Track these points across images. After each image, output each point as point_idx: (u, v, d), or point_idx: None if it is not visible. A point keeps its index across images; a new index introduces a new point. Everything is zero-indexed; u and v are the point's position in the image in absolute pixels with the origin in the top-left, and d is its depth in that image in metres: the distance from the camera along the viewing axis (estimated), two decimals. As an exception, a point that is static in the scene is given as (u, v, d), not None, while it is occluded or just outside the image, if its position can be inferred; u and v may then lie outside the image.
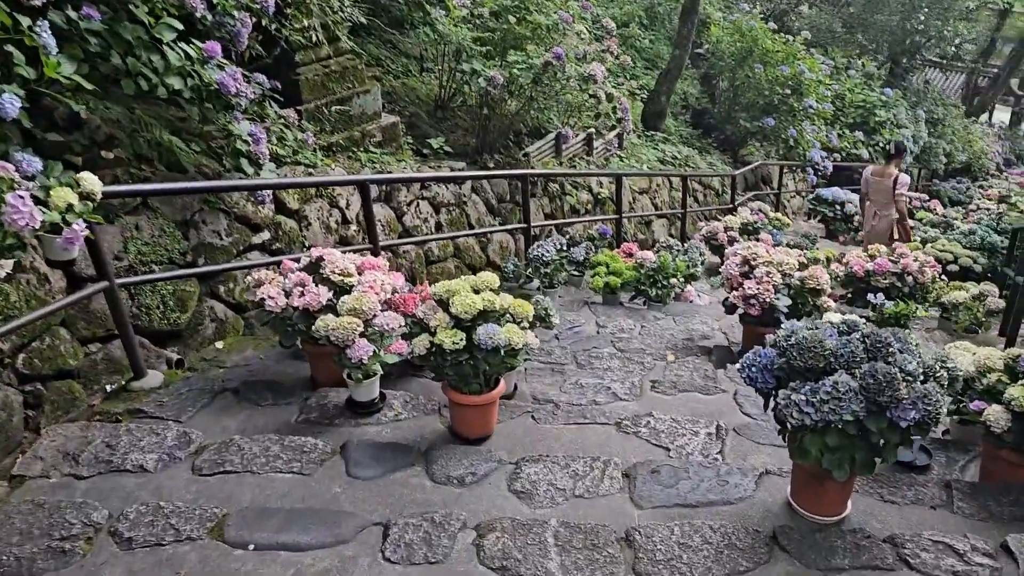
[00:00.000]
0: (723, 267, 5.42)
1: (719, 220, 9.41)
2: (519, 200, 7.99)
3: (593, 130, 10.11)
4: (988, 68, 31.05)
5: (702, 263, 7.27)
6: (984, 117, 30.77)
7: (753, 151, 15.08)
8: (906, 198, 8.44)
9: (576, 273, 7.26)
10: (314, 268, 4.17)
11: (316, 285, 3.98)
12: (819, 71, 14.27)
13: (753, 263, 5.25)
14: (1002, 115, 38.37)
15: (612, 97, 8.35)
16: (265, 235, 5.51)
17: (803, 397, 2.75)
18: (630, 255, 7.25)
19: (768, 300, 5.04)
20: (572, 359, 5.06)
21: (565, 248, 7.05)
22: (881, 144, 17.22)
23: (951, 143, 21.38)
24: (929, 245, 10.73)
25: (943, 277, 7.27)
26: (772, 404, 3.00)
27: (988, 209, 18.76)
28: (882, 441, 2.75)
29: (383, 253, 6.12)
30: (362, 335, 3.71)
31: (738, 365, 3.11)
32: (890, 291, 6.86)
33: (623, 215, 8.73)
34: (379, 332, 3.79)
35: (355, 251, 5.67)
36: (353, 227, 6.30)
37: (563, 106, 9.33)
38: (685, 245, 7.55)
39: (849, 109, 16.71)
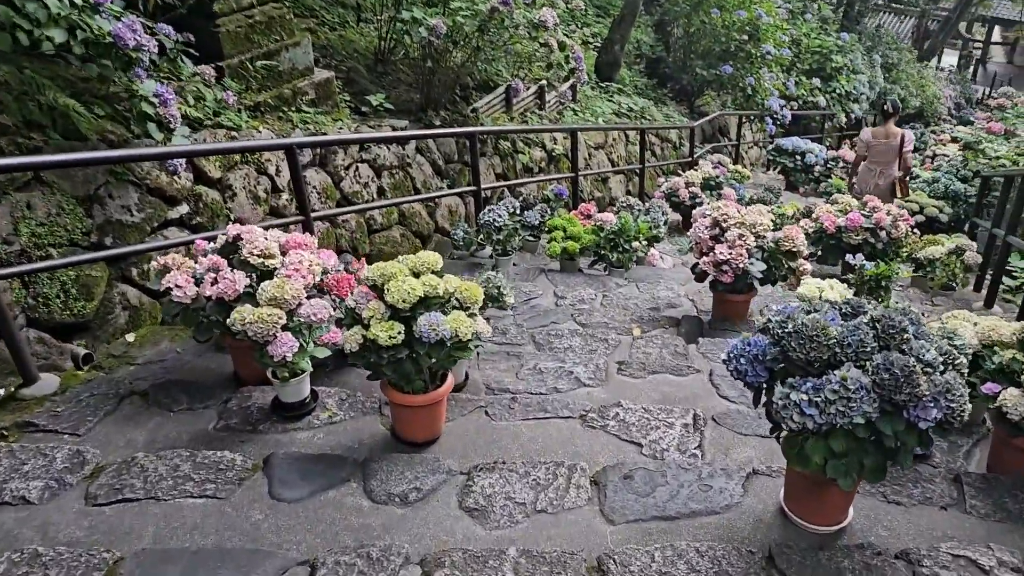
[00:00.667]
0: (691, 231, 4.95)
1: (679, 175, 8.95)
2: (468, 160, 7.44)
3: (545, 82, 9.54)
4: (938, 11, 30.97)
5: (665, 223, 6.82)
6: (934, 61, 30.71)
7: (709, 101, 14.63)
8: (911, 152, 8.39)
9: (531, 238, 6.77)
10: (231, 249, 3.62)
11: (232, 270, 3.43)
12: (776, 15, 13.80)
13: (724, 225, 4.80)
14: (949, 59, 38.49)
15: (564, 46, 7.79)
16: (183, 208, 4.92)
17: (805, 397, 2.31)
18: (588, 216, 6.77)
19: (742, 266, 4.61)
20: (530, 338, 4.58)
21: (519, 211, 6.54)
22: (838, 91, 16.89)
23: (905, 88, 21.16)
24: (897, 200, 10.42)
25: (914, 230, 6.92)
26: (764, 400, 2.57)
27: (947, 155, 18.63)
28: (897, 443, 2.33)
29: (318, 225, 5.58)
30: (285, 328, 3.19)
31: (723, 355, 2.65)
32: (862, 247, 6.48)
33: (579, 173, 8.23)
34: (306, 323, 3.27)
35: (285, 224, 5.13)
36: (285, 196, 5.72)
37: (512, 57, 8.75)
38: (646, 204, 7.08)
39: (806, 55, 16.29)
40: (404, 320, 2.94)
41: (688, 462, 3.11)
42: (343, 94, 7.06)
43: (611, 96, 11.40)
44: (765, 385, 2.57)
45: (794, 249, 4.81)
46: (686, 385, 3.92)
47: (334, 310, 3.42)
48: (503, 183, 7.55)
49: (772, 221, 4.94)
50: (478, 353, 4.00)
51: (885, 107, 8.60)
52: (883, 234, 6.49)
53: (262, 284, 3.26)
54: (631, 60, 13.72)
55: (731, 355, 2.59)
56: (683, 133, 12.38)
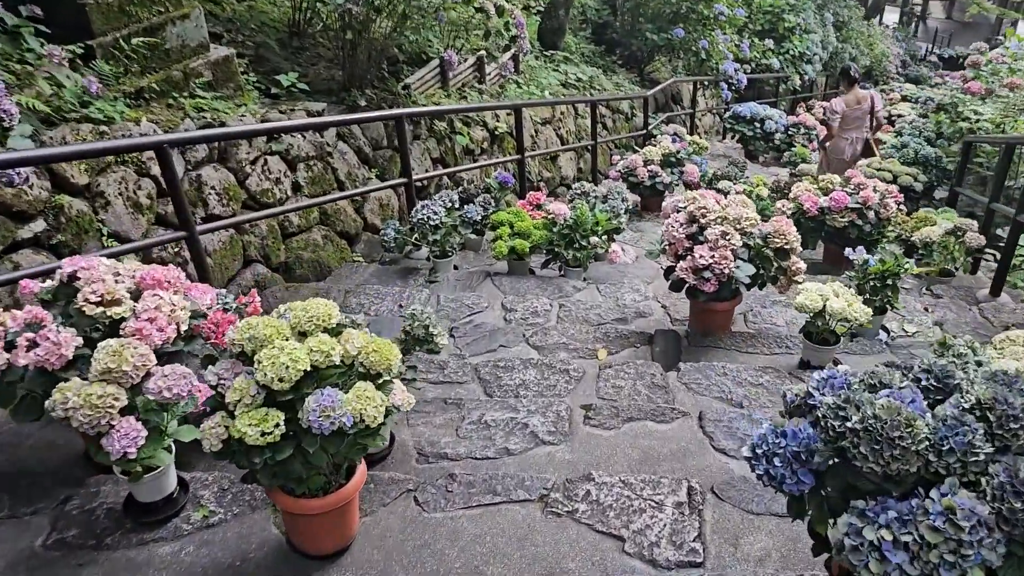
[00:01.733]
0: (664, 229, 4.11)
1: (636, 151, 8.11)
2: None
3: (484, 53, 8.60)
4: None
5: (626, 211, 5.97)
6: (877, 19, 30.31)
7: (659, 67, 13.81)
8: (882, 112, 8.71)
9: (475, 235, 5.89)
10: (68, 291, 2.69)
11: (61, 326, 2.50)
12: (728, -28, 13.01)
13: (702, 222, 3.97)
14: (891, 16, 38.26)
15: (503, 11, 6.87)
16: (38, 225, 3.94)
17: (887, 535, 1.49)
18: (538, 207, 5.91)
19: (727, 271, 3.79)
20: (473, 374, 3.70)
21: (458, 204, 5.64)
22: (792, 53, 16.18)
23: (856, 47, 20.59)
24: (863, 162, 9.73)
25: (901, 207, 6.18)
26: (812, 513, 1.76)
27: (902, 115, 18.09)
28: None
29: (218, 235, 4.62)
30: (128, 410, 2.29)
31: (745, 450, 1.82)
32: (847, 230, 5.73)
33: (525, 154, 7.34)
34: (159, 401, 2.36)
35: (161, 243, 4.18)
36: (175, 201, 4.74)
37: (445, 25, 7.79)
38: (603, 189, 6.22)
39: (757, 15, 15.52)
40: (285, 405, 2.05)
41: (687, 559, 2.30)
42: (249, 74, 6.07)
43: (557, 66, 10.50)
44: (809, 495, 1.75)
45: (786, 246, 4.01)
46: (671, 436, 3.08)
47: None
48: (439, 172, 6.61)
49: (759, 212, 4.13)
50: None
51: (851, 72, 8.50)
52: (871, 214, 5.74)
53: (98, 347, 2.34)
54: (576, 26, 12.81)
55: (759, 452, 1.77)
56: (636, 103, 11.54)
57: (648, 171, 7.52)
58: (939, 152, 9.96)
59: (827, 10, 18.78)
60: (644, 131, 10.33)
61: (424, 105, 7.31)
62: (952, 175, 9.99)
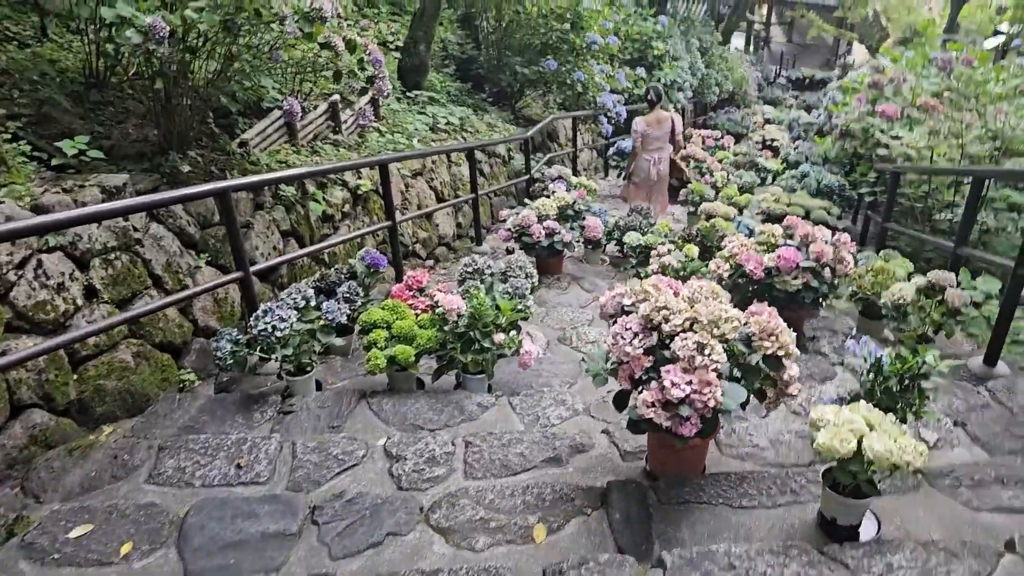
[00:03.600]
0: (610, 344, 2.89)
1: (527, 204, 6.93)
2: (239, 219, 5.13)
3: (337, 97, 7.26)
4: (730, -5, 31.11)
5: (531, 288, 4.73)
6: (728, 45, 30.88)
7: (530, 103, 12.81)
8: (682, 132, 9.23)
9: (341, 341, 4.51)
10: None
11: None
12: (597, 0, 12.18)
13: (666, 327, 2.78)
14: (736, 41, 39.27)
15: (356, 46, 5.56)
16: None
17: None
18: (420, 290, 4.61)
19: (712, 403, 2.61)
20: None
21: (315, 300, 4.25)
22: (663, 81, 15.58)
23: (720, 72, 20.41)
24: (768, 195, 8.95)
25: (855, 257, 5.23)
26: None
27: (775, 140, 17.85)
28: None
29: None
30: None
31: None
32: (802, 294, 4.71)
33: (397, 219, 6.05)
34: None
35: None
36: None
37: (285, 65, 6.43)
38: (503, 264, 4.94)
39: (626, 43, 14.82)
40: None
41: None
42: (18, 143, 4.54)
43: (423, 108, 9.25)
44: None
45: (780, 351, 2.87)
46: None
47: None
48: (287, 256, 5.11)
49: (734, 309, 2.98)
50: None
51: (649, 95, 8.94)
52: (827, 272, 4.74)
53: None
54: (438, 63, 11.63)
55: None
56: (512, 144, 10.44)
57: (545, 228, 6.34)
58: (842, 181, 9.32)
59: (691, 36, 18.45)
60: (527, 176, 9.21)
61: (266, 165, 5.89)
62: (856, 205, 9.35)
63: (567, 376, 4.38)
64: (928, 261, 6.86)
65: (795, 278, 4.67)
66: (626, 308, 2.99)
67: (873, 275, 5.03)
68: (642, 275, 5.22)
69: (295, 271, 5.88)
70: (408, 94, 9.42)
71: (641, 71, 14.63)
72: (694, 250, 5.21)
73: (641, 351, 2.77)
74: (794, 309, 4.95)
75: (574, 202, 6.77)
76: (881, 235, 6.81)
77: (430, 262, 7.91)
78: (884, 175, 7.62)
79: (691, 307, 2.85)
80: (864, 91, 8.47)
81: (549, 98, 13.20)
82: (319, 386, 4.21)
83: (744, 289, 4.96)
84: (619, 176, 11.79)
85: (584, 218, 6.70)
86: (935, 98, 7.33)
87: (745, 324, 2.90)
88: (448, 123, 9.07)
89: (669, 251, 5.20)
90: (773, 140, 17.68)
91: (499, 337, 3.99)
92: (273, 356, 3.92)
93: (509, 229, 6.54)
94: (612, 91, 12.48)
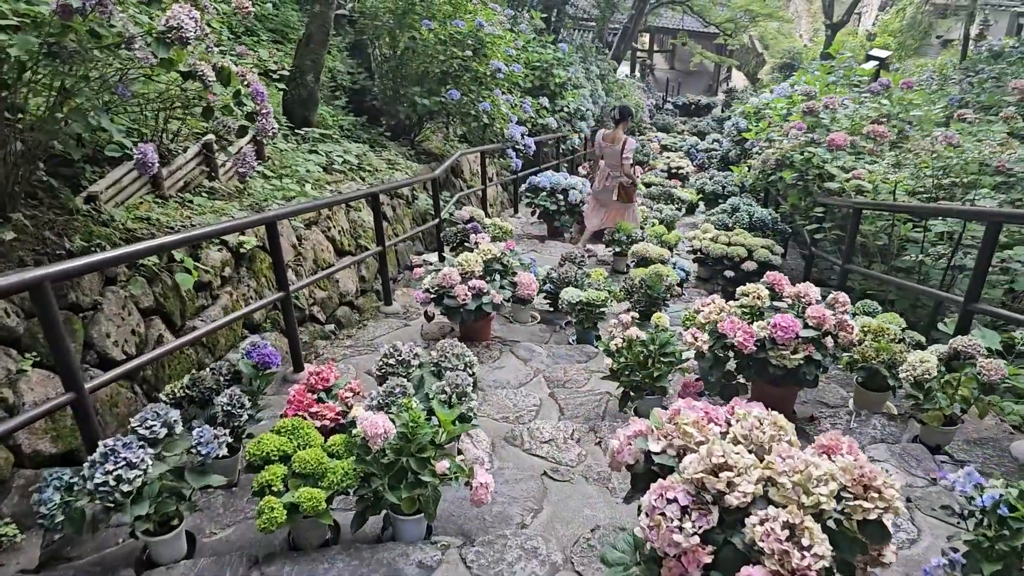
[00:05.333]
0: (645, 527, 1.87)
1: (443, 259, 5.88)
2: (82, 300, 3.92)
3: (213, 137, 6.07)
4: (614, 24, 31.09)
5: (473, 383, 3.66)
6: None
7: (429, 136, 11.80)
8: (630, 160, 8.99)
9: (221, 480, 3.33)
10: None
11: None
12: (500, 24, 11.30)
13: (729, 498, 1.80)
14: (622, 68, 39.52)
15: (231, 76, 4.41)
16: None
17: None
18: (324, 391, 3.49)
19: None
20: None
21: (180, 426, 3.07)
22: (567, 110, 14.86)
23: (619, 99, 19.94)
24: (701, 233, 8.20)
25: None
26: None
27: (682, 167, 17.39)
28: None
29: None
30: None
31: None
32: (805, 371, 3.83)
33: (292, 288, 4.92)
34: None
35: None
36: None
37: (146, 101, 5.22)
38: (435, 354, 3.82)
39: (527, 70, 14.02)
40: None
41: None
42: None
43: (314, 146, 8.10)
44: None
45: (881, 513, 1.92)
46: None
47: None
48: (145, 358, 3.81)
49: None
50: None
51: (613, 114, 9.12)
52: (828, 341, 3.88)
53: None
54: (328, 95, 10.48)
55: None
56: (417, 185, 9.39)
57: (470, 289, 5.31)
58: (773, 214, 8.66)
59: (590, 63, 17.88)
60: (437, 220, 8.16)
61: (121, 225, 4.66)
62: (786, 240, 8.70)
63: (528, 500, 3.35)
64: (890, 304, 6.20)
65: (795, 351, 3.79)
66: (655, 458, 1.99)
67: (872, 339, 4.22)
68: (608, 350, 4.24)
69: (160, 363, 4.64)
70: (297, 131, 8.25)
71: (544, 100, 13.83)
72: (664, 318, 4.27)
73: (697, 539, 1.77)
74: (787, 386, 4.09)
75: (502, 255, 5.77)
76: (842, 277, 6.09)
77: (331, 327, 6.74)
78: (833, 210, 6.95)
79: (760, 459, 1.88)
80: (799, 118, 7.83)
81: (450, 130, 12.23)
82: (191, 545, 3.03)
83: (724, 364, 4.06)
84: (532, 213, 10.87)
85: (515, 273, 5.71)
86: (877, 124, 6.72)
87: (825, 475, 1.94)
88: (344, 162, 7.95)
89: (633, 318, 4.25)
90: (679, 168, 17.24)
91: (442, 465, 2.92)
92: (124, 511, 2.74)
93: (427, 290, 5.47)
94: (519, 122, 11.60)
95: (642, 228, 10.16)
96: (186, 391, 3.47)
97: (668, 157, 18.82)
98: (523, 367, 5.24)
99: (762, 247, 7.28)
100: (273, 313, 5.83)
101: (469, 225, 7.92)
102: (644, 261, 7.61)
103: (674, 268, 7.64)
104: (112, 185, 5.05)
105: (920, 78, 13.80)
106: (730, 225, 8.62)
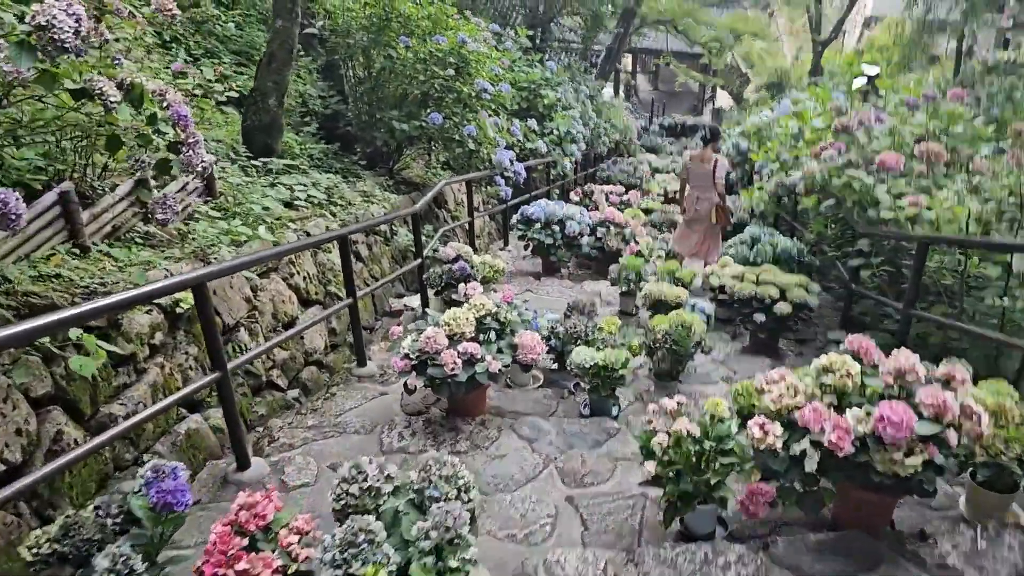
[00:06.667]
0: None
1: (437, 318, 4.82)
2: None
3: (150, 175, 5.01)
4: (598, 45, 30.41)
5: (471, 518, 2.58)
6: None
7: (410, 163, 10.79)
8: (723, 181, 8.67)
9: None
10: None
11: None
12: (485, 41, 10.34)
13: None
14: (606, 90, 38.85)
15: (143, 94, 3.38)
16: None
17: None
18: (262, 531, 2.44)
19: None
20: None
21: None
22: (556, 133, 13.90)
23: (608, 121, 19.05)
24: (719, 268, 7.22)
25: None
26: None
27: (675, 192, 16.45)
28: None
29: None
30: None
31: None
32: (923, 479, 2.81)
33: (234, 363, 3.87)
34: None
35: None
36: None
37: (56, 128, 4.19)
38: (414, 475, 2.74)
39: (514, 91, 13.06)
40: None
41: None
42: None
43: (276, 178, 7.07)
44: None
45: None
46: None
47: None
48: (25, 480, 2.75)
49: None
50: None
51: (704, 133, 8.91)
52: (951, 436, 2.85)
53: None
54: (297, 120, 9.47)
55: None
56: (397, 219, 8.36)
57: (461, 354, 4.26)
58: (799, 245, 7.67)
59: (579, 83, 16.97)
60: (419, 261, 7.11)
61: (15, 289, 3.61)
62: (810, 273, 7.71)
63: None
64: (960, 354, 5.20)
65: (910, 452, 2.77)
66: None
67: (994, 425, 3.19)
68: (648, 449, 3.20)
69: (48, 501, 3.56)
70: (256, 161, 7.20)
71: (533, 123, 12.87)
72: (722, 405, 3.22)
73: None
74: (887, 493, 3.07)
75: (497, 309, 4.72)
76: (903, 325, 5.09)
77: (295, 392, 5.67)
78: (882, 242, 5.97)
79: None
80: (831, 137, 6.87)
81: (432, 156, 11.23)
82: None
83: (802, 465, 3.03)
84: (525, 247, 9.84)
85: (514, 332, 4.65)
86: (927, 142, 5.76)
87: None
88: (309, 197, 6.91)
89: (680, 405, 3.21)
90: (676, 192, 16.29)
91: None
92: None
93: (408, 355, 4.41)
94: (507, 146, 10.60)
95: (647, 260, 9.18)
96: (54, 546, 2.40)
97: (663, 181, 17.89)
98: (529, 454, 4.17)
99: (797, 286, 6.28)
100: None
101: (456, 266, 6.88)
102: (660, 305, 6.60)
103: (693, 311, 6.63)
104: (14, 235, 4.00)
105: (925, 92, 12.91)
106: (751, 259, 7.63)
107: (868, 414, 2.87)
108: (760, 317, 6.26)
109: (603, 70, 27.05)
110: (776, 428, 2.99)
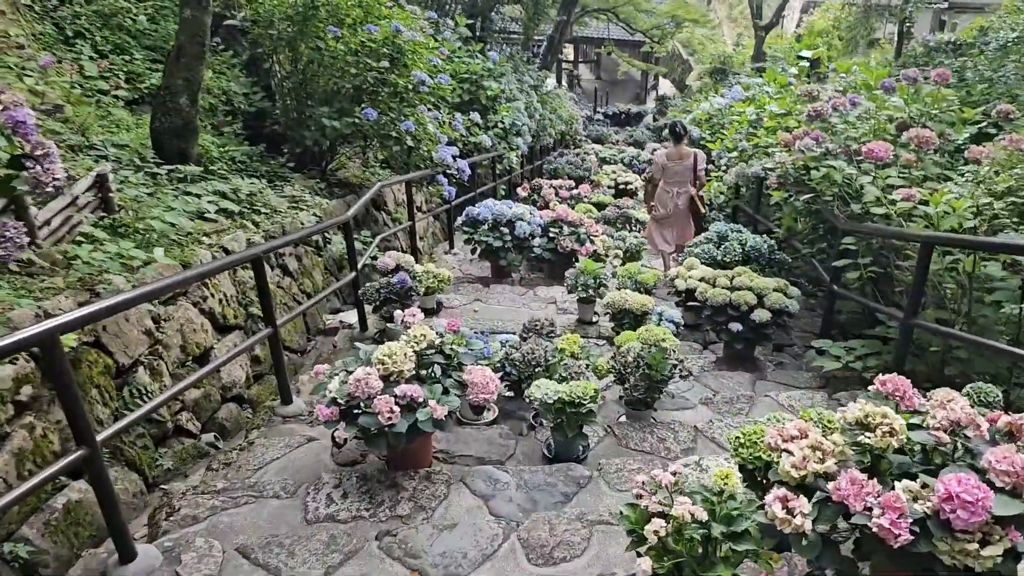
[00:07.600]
0: None
1: (369, 354, 4.07)
2: None
3: (27, 188, 4.17)
4: (539, 35, 29.77)
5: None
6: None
7: (345, 163, 9.98)
8: (704, 171, 8.97)
9: None
10: None
11: None
12: (421, 29, 9.56)
13: None
14: (549, 80, 38.32)
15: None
16: None
17: None
18: None
19: None
20: None
21: None
22: (501, 126, 13.19)
23: (554, 111, 18.40)
24: (684, 270, 6.61)
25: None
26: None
27: (630, 183, 15.89)
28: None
29: None
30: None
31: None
32: (1001, 572, 2.18)
33: (105, 433, 3.10)
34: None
35: None
36: None
37: None
38: None
39: (455, 83, 12.30)
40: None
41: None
42: None
43: (189, 188, 6.22)
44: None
45: None
46: None
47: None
48: None
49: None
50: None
51: (676, 128, 8.85)
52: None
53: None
54: (219, 119, 8.59)
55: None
56: (328, 228, 7.57)
57: (398, 399, 3.54)
58: (769, 241, 7.10)
59: (522, 73, 16.26)
60: (353, 274, 6.35)
61: None
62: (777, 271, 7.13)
63: None
64: (957, 362, 4.66)
65: (985, 541, 2.14)
66: None
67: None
68: (639, 535, 2.51)
69: None
70: (163, 168, 6.35)
71: (476, 116, 12.12)
72: (733, 477, 2.50)
73: None
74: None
75: (442, 340, 3.99)
76: (903, 336, 4.52)
77: (210, 437, 4.88)
78: (869, 241, 5.39)
79: None
80: (805, 124, 6.29)
81: (369, 155, 10.42)
82: None
83: (838, 549, 2.38)
84: (472, 250, 9.10)
85: (462, 368, 3.94)
86: (922, 130, 5.19)
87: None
88: (221, 210, 6.08)
89: (676, 477, 2.54)
90: (627, 183, 15.72)
91: None
92: None
93: (337, 401, 3.66)
94: (449, 142, 9.85)
95: (604, 260, 8.53)
96: None
97: (614, 172, 17.28)
98: (484, 517, 3.45)
99: (775, 290, 5.68)
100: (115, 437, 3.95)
101: (395, 279, 6.14)
102: (624, 314, 5.95)
103: (661, 321, 6.00)
104: None
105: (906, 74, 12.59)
106: (719, 258, 7.02)
107: (924, 486, 2.23)
108: (736, 327, 5.64)
109: (545, 60, 26.38)
110: (804, 505, 2.33)
